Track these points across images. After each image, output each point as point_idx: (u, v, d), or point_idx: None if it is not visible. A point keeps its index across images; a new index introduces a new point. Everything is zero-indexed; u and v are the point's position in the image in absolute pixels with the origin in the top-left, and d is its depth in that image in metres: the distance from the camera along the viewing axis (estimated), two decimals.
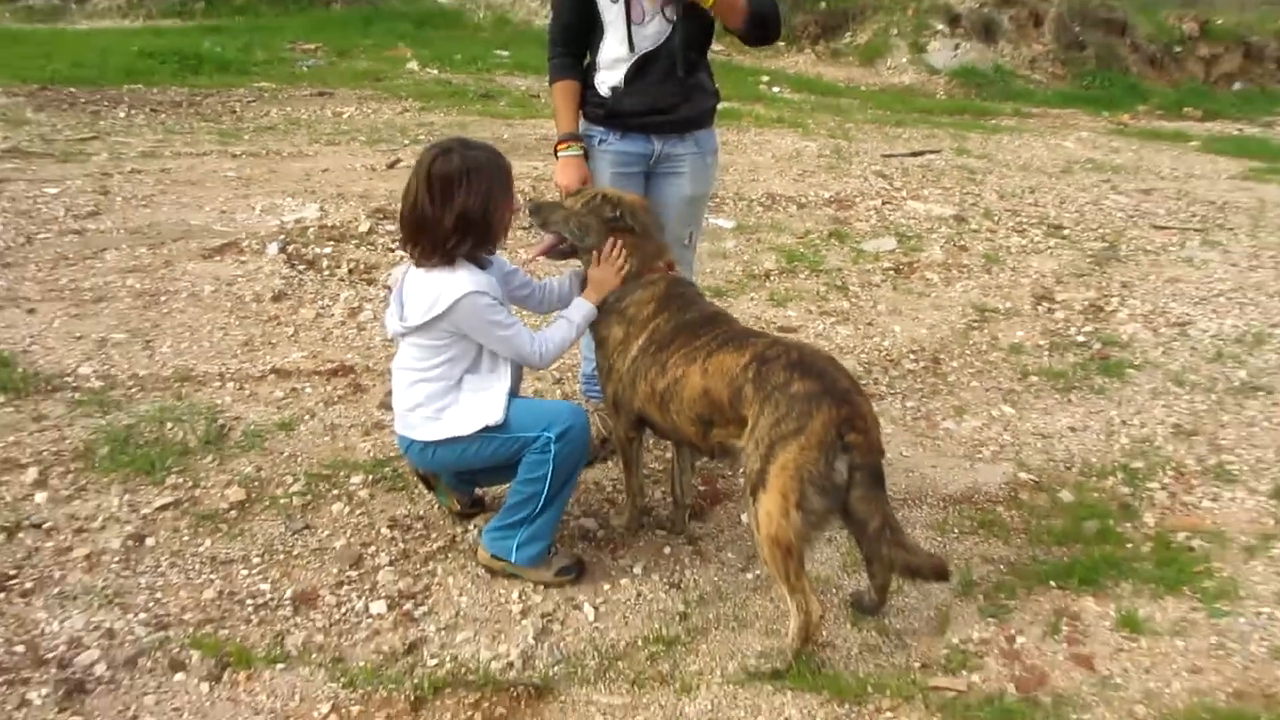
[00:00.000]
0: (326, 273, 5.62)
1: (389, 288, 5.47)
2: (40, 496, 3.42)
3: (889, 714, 2.72)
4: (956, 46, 15.22)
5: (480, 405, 3.03)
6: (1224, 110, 14.86)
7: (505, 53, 13.10)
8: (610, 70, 3.53)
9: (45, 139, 8.18)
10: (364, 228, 6.30)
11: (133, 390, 4.20)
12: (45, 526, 3.27)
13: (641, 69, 3.50)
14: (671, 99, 3.54)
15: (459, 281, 2.96)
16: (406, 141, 8.59)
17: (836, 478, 2.75)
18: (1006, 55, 15.43)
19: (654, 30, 3.45)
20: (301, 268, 5.63)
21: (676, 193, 3.69)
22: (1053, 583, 3.32)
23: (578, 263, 3.44)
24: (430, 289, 2.98)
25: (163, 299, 5.12)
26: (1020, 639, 3.05)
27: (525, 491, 3.06)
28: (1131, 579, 3.34)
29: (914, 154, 9.84)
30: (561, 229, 3.37)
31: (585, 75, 3.62)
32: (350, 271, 5.66)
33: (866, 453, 2.78)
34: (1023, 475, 4.05)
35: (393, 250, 6.05)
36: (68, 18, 14.15)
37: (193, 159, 7.72)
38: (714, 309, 3.35)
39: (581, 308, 3.22)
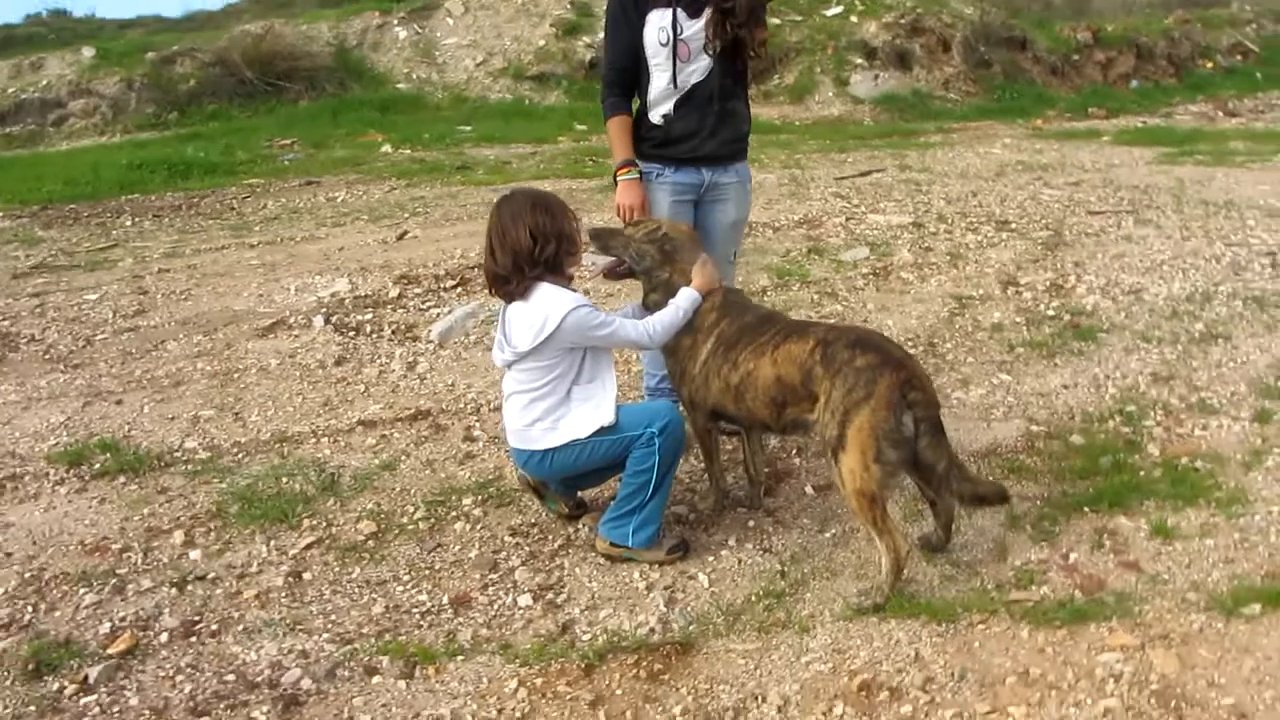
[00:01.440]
0: (374, 336, 5.91)
1: (433, 341, 5.79)
2: (195, 554, 3.67)
3: (981, 626, 3.06)
4: (876, 77, 15.87)
5: (592, 410, 3.36)
6: (1125, 107, 15.68)
7: (468, 127, 13.49)
8: (659, 105, 3.91)
9: (66, 252, 8.37)
10: (394, 294, 6.61)
11: (239, 456, 4.46)
12: (209, 578, 3.51)
13: (687, 99, 3.87)
14: (714, 121, 3.90)
15: (560, 302, 3.31)
16: (406, 215, 8.92)
17: (905, 431, 3.10)
18: (922, 80, 16.11)
19: (700, 66, 3.83)
20: (350, 334, 5.92)
21: (723, 217, 4.07)
22: (1086, 509, 3.70)
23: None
24: (536, 314, 3.32)
25: (235, 376, 5.38)
26: (1073, 555, 3.41)
27: (635, 483, 3.38)
28: (1153, 498, 3.73)
29: (863, 174, 10.34)
30: (621, 253, 3.74)
31: (637, 114, 3.99)
32: (394, 332, 5.96)
33: (926, 406, 3.14)
34: (1034, 428, 4.44)
35: (424, 310, 6.37)
36: (46, 140, 14.29)
37: (214, 253, 7.97)
38: (766, 310, 3.72)
39: (689, 295, 3.55)
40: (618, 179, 3.94)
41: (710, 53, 3.80)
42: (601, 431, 3.36)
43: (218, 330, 6.13)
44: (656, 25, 3.78)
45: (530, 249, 3.32)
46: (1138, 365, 5.09)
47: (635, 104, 4.02)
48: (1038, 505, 3.76)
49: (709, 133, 3.90)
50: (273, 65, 14.77)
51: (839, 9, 16.77)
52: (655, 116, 3.93)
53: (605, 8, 4.00)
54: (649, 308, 3.70)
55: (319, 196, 10.17)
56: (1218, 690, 2.68)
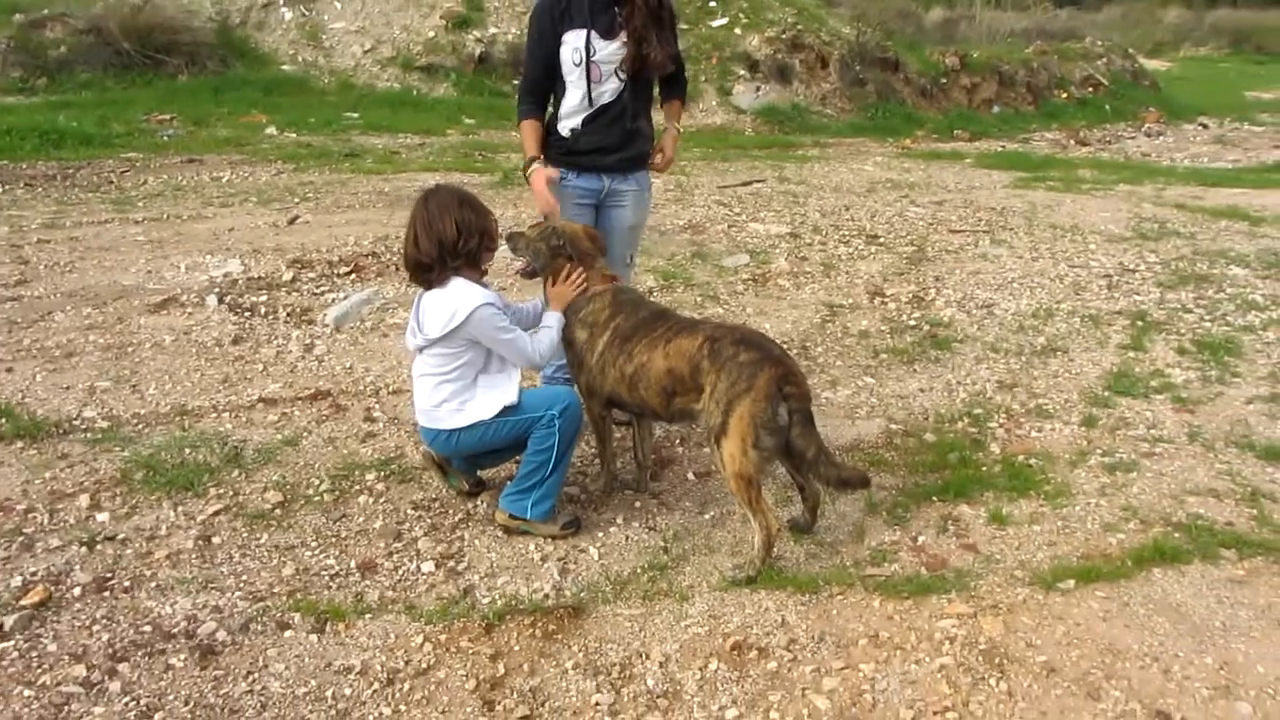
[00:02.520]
0: (270, 317, 6.03)
1: (329, 325, 5.95)
2: (102, 516, 3.80)
3: (839, 597, 3.46)
4: (758, 89, 16.48)
5: (498, 395, 3.65)
6: (987, 130, 16.71)
7: (355, 114, 13.47)
8: (570, 118, 4.20)
9: None
10: (287, 277, 6.72)
11: (140, 427, 4.57)
12: (119, 538, 3.66)
13: (596, 116, 4.18)
14: (619, 140, 4.23)
15: (471, 296, 3.58)
16: (296, 199, 8.96)
17: (780, 420, 3.49)
18: (801, 94, 16.80)
19: (610, 88, 4.14)
20: (246, 314, 6.03)
21: (621, 222, 4.39)
22: (934, 498, 4.16)
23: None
24: (447, 305, 3.58)
25: (129, 349, 5.44)
26: (921, 538, 3.86)
27: (536, 460, 3.68)
28: (991, 489, 4.22)
29: (744, 184, 10.83)
30: (524, 254, 4.04)
31: (549, 121, 4.27)
32: (290, 315, 6.09)
33: (800, 399, 3.53)
34: (893, 426, 4.91)
35: (318, 295, 6.50)
36: None
37: (96, 227, 7.89)
38: (659, 307, 4.06)
39: (552, 317, 3.89)
40: (528, 175, 4.21)
41: (620, 76, 4.12)
42: (505, 412, 3.65)
43: (107, 304, 6.14)
44: (571, 45, 4.08)
45: (455, 241, 3.59)
46: (986, 373, 5.63)
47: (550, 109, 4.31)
48: (893, 494, 4.21)
49: (613, 149, 4.23)
50: (151, 38, 14.37)
51: (724, 21, 17.32)
52: (564, 129, 4.22)
53: (528, 20, 4.29)
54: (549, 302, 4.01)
55: (203, 175, 10.08)
56: (1034, 650, 3.14)
